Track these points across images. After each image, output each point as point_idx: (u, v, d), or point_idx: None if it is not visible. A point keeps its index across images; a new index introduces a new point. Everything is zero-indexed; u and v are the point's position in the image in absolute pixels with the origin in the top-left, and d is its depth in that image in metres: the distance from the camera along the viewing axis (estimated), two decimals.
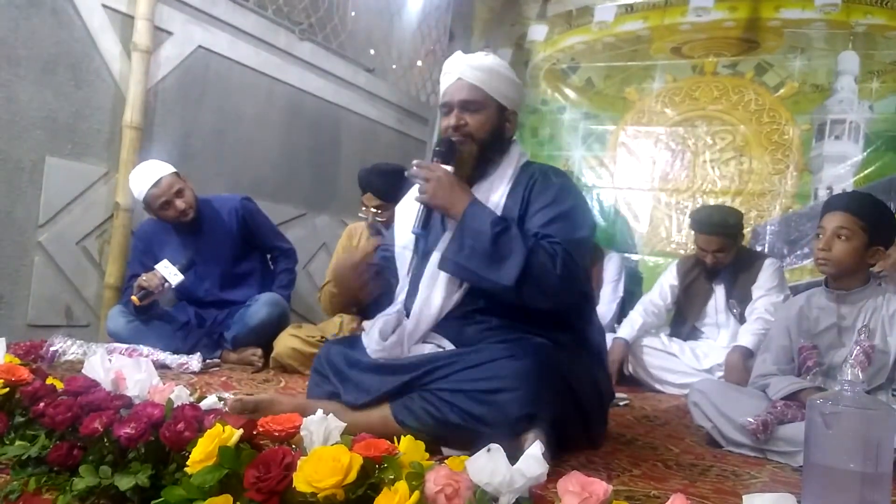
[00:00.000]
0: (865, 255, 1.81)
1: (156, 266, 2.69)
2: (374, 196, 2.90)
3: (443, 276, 1.63)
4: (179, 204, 2.76)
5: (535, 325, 1.61)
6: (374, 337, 1.65)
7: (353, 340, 1.78)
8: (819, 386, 1.81)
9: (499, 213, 1.63)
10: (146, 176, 2.72)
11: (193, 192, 2.85)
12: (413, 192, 1.70)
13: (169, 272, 2.67)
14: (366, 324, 1.81)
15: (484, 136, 1.68)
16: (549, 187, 1.67)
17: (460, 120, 1.67)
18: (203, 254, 2.88)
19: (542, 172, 1.72)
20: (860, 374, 1.12)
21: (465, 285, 1.63)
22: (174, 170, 2.78)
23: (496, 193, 1.68)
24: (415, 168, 1.62)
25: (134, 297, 2.62)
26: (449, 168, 1.61)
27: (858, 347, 1.70)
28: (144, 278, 2.65)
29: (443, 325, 1.65)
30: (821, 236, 1.85)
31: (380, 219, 2.90)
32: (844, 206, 1.83)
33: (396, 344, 1.63)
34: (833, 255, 1.81)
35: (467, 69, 1.68)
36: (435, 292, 1.64)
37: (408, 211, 1.75)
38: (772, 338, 2.03)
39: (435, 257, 1.64)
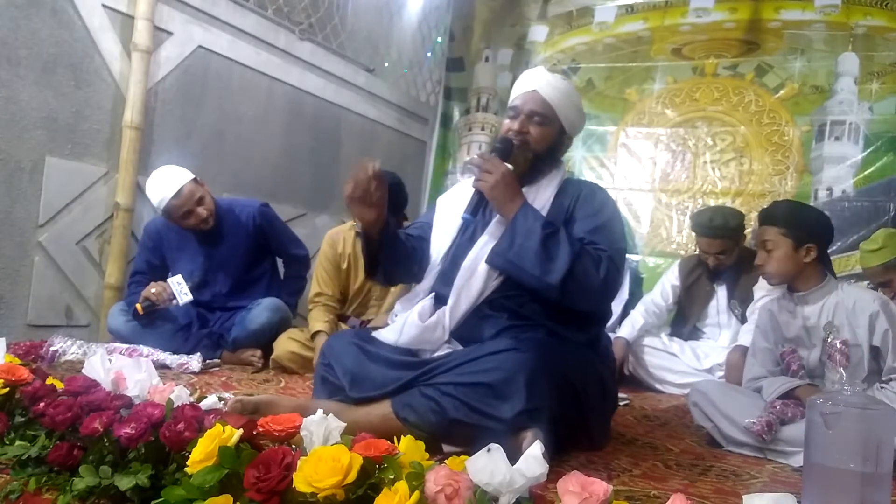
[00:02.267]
0: (798, 258, 1.85)
1: (169, 280, 2.67)
2: None
3: (483, 265, 1.68)
4: (201, 212, 2.72)
5: (550, 322, 1.65)
6: (412, 320, 1.66)
7: (363, 334, 1.77)
8: (812, 383, 1.82)
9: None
10: (166, 185, 2.66)
11: (212, 196, 2.81)
12: (460, 187, 1.88)
13: (179, 290, 2.64)
14: (393, 314, 1.81)
15: (540, 149, 1.76)
16: (594, 199, 1.78)
17: (524, 127, 1.75)
18: (217, 261, 2.85)
19: (587, 186, 1.85)
20: (844, 373, 1.12)
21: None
22: (193, 176, 2.74)
23: (541, 199, 1.76)
24: (477, 158, 1.71)
25: (138, 306, 2.61)
26: (510, 167, 1.69)
27: (831, 347, 1.72)
28: (154, 291, 2.62)
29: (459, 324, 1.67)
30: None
31: None
32: (763, 220, 1.92)
33: (437, 324, 1.66)
34: (768, 268, 1.89)
35: (545, 85, 1.77)
36: (475, 278, 1.68)
37: (452, 202, 1.88)
38: (755, 342, 2.06)
39: (480, 242, 1.71)
